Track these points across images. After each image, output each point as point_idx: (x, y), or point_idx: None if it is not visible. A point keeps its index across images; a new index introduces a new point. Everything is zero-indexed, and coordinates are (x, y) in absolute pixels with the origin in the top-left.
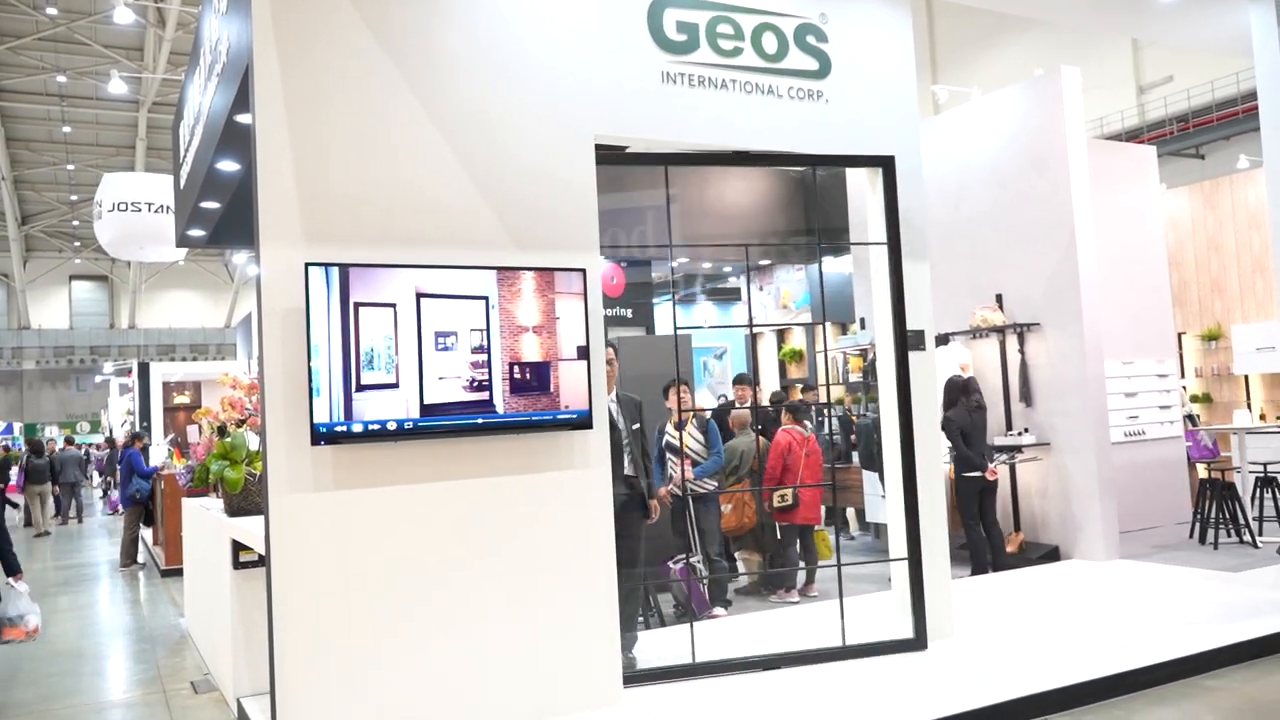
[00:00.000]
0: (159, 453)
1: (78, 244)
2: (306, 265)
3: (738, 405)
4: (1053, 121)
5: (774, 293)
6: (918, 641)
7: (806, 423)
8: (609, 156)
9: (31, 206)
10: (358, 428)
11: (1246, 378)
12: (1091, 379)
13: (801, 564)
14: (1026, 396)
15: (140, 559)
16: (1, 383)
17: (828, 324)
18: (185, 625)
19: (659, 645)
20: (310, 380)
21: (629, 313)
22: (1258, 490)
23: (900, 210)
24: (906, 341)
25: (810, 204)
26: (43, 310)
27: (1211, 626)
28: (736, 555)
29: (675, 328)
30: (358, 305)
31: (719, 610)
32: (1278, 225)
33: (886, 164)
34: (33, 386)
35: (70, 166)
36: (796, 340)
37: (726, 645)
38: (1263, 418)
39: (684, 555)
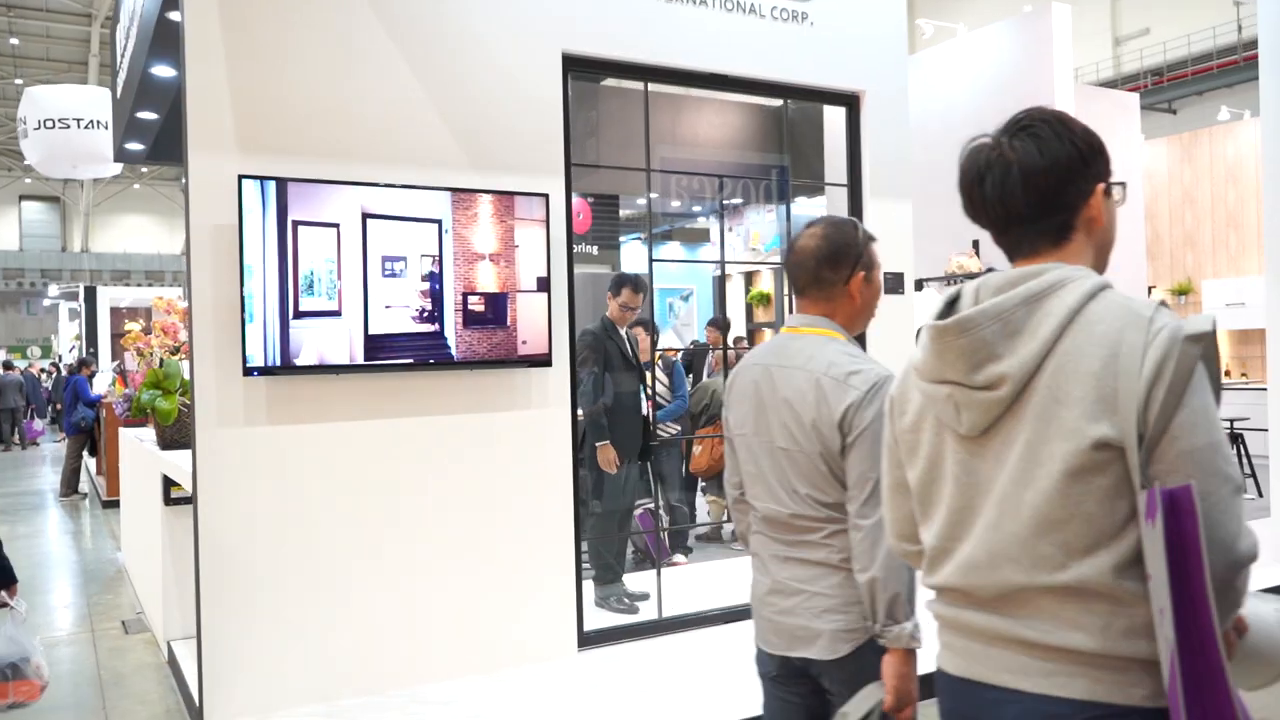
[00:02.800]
0: (104, 380)
1: (26, 163)
2: (240, 177)
3: (713, 348)
4: (1040, 62)
5: (744, 234)
6: None
7: None
8: (586, 71)
9: None
10: (295, 358)
11: None
12: None
13: None
14: None
15: (82, 489)
16: None
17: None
18: (122, 560)
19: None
20: (243, 305)
21: (595, 249)
22: None
23: (877, 148)
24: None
25: (785, 140)
26: None
27: None
28: (705, 498)
29: (651, 262)
30: (296, 224)
31: (679, 558)
32: (1274, 178)
33: (850, 102)
34: None
35: (18, 81)
36: (765, 284)
37: (685, 595)
38: (1227, 374)
39: (645, 501)
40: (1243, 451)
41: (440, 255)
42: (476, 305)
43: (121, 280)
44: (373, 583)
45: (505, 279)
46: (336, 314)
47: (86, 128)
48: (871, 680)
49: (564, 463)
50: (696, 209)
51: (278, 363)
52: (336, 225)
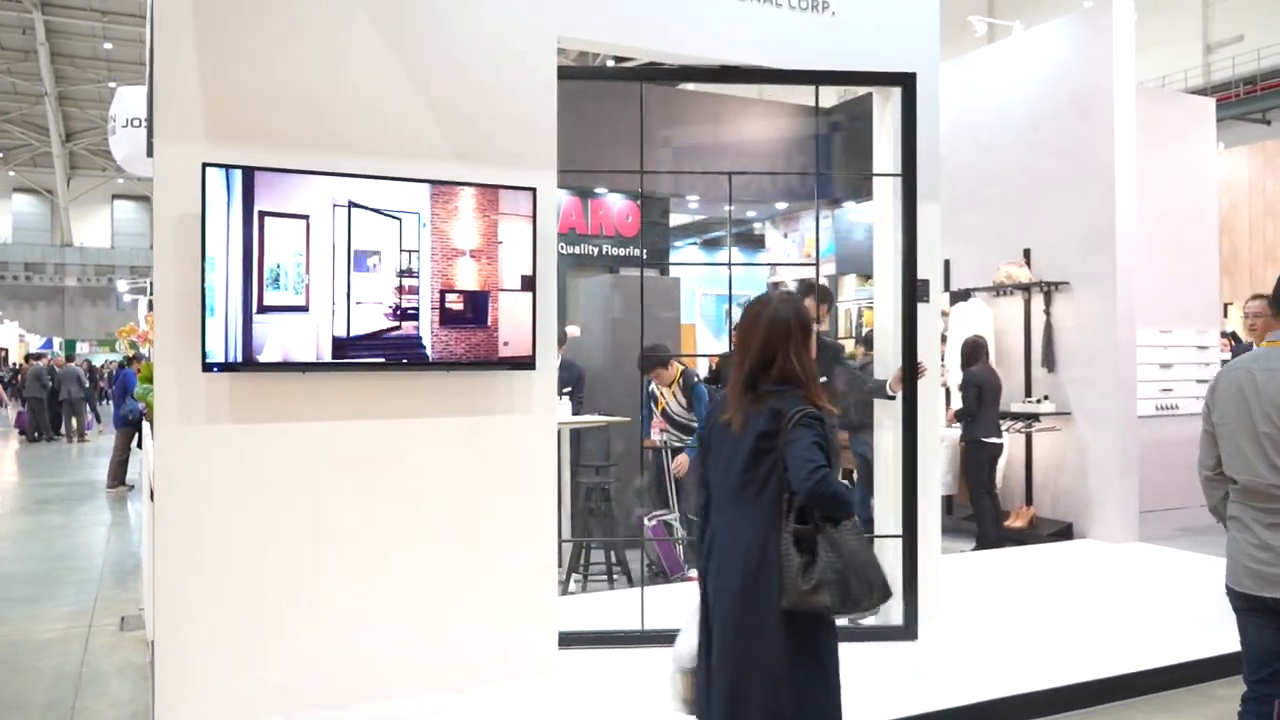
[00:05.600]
0: None
1: (120, 164)
2: (204, 165)
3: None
4: (1100, 61)
5: (799, 240)
6: (907, 630)
7: None
8: (578, 71)
9: (76, 124)
10: (256, 355)
11: None
12: (1123, 345)
13: None
14: (1049, 361)
15: (131, 480)
16: (43, 298)
17: (851, 275)
18: (143, 554)
19: (619, 607)
20: (204, 297)
21: (644, 253)
22: None
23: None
24: (915, 291)
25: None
26: (85, 228)
27: (1230, 625)
28: None
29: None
30: (264, 214)
31: (694, 572)
32: None
33: (906, 81)
34: (74, 304)
35: (112, 84)
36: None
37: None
38: None
39: (659, 512)
40: None
41: (417, 250)
42: (455, 304)
43: None
44: (340, 591)
45: (487, 277)
46: (304, 310)
47: None
48: None
49: (547, 471)
50: (750, 214)
51: (240, 359)
52: (306, 217)
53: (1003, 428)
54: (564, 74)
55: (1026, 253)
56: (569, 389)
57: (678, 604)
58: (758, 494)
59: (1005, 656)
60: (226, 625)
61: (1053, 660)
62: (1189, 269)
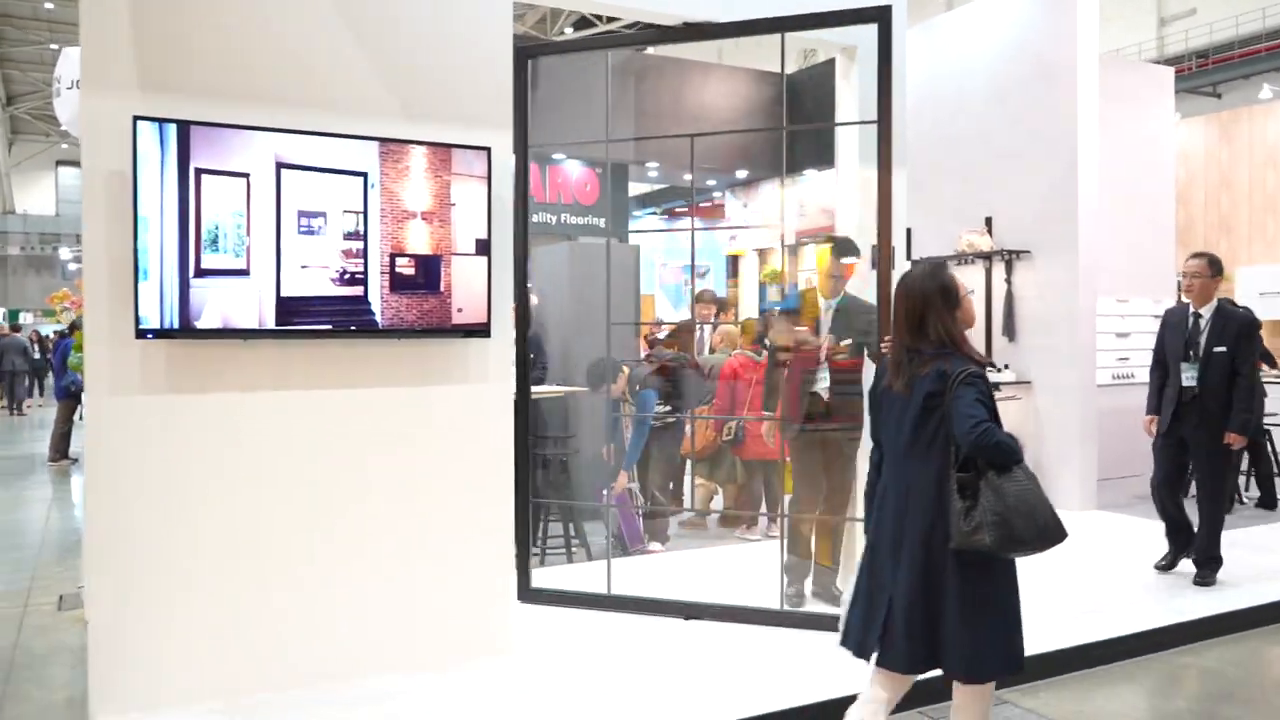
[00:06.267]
0: None
1: (63, 128)
2: (135, 119)
3: (700, 324)
4: (1063, 27)
5: (759, 209)
6: None
7: (763, 346)
8: (540, 48)
9: (17, 87)
10: (194, 320)
11: None
12: (1082, 314)
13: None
14: (1010, 330)
15: (73, 454)
16: None
17: (810, 245)
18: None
19: (580, 579)
20: (136, 260)
21: (601, 222)
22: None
23: (868, 106)
24: (890, 253)
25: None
26: (28, 196)
27: (1184, 595)
28: (698, 481)
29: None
30: (200, 172)
31: (655, 546)
32: None
33: (882, 16)
34: (17, 272)
35: (54, 46)
36: (777, 261)
37: (653, 585)
38: (1260, 366)
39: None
40: (1273, 451)
41: (365, 212)
42: (406, 268)
43: None
44: (284, 569)
45: (439, 240)
46: (244, 273)
47: None
48: None
49: (503, 443)
50: (711, 182)
51: (176, 325)
52: (246, 175)
53: None
54: (533, 51)
55: (988, 220)
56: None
57: (640, 574)
58: (928, 447)
59: None
60: (165, 607)
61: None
62: (1146, 239)
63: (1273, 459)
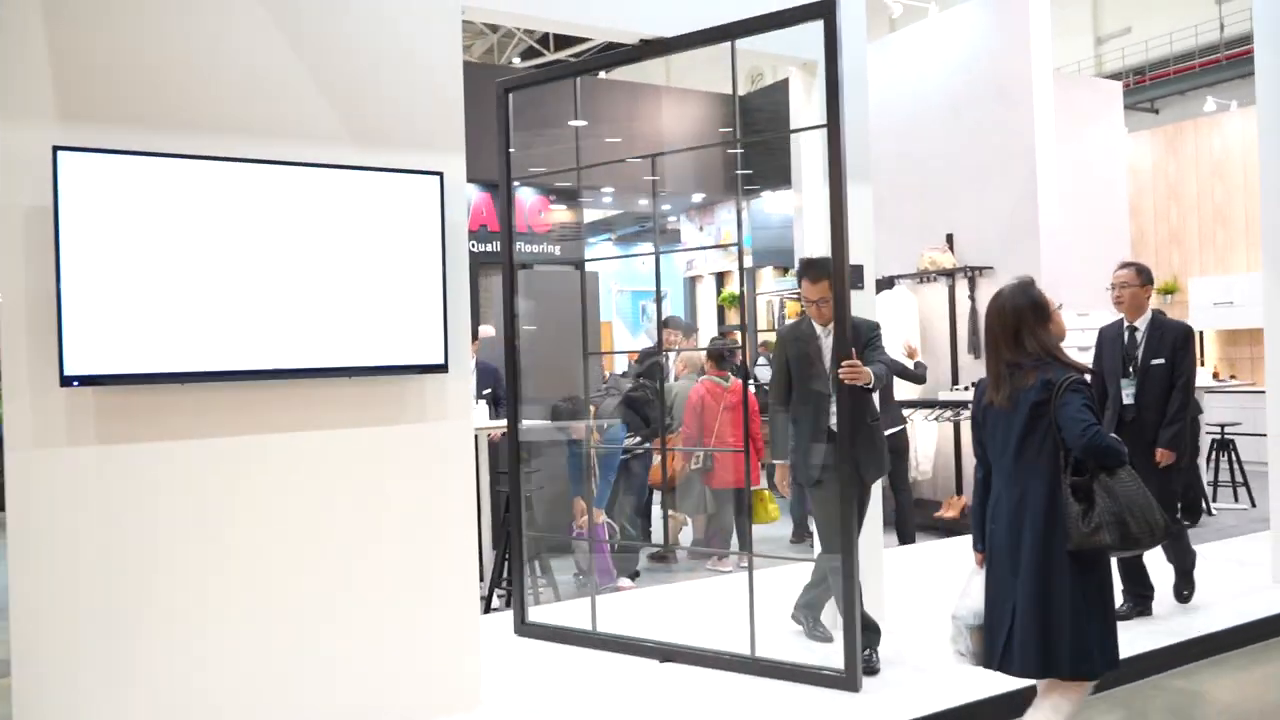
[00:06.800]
0: None
1: None
2: (55, 149)
3: (666, 351)
4: (1017, 43)
5: (714, 233)
6: (848, 679)
7: (730, 372)
8: (519, 80)
9: None
10: (126, 365)
11: (1201, 334)
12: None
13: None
14: (976, 347)
15: None
16: None
17: (769, 267)
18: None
19: (564, 615)
20: (59, 301)
21: (557, 250)
22: (1213, 454)
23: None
24: (846, 267)
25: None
26: None
27: (1174, 614)
28: (669, 513)
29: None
30: (128, 204)
31: (625, 582)
32: (1272, 171)
33: (826, 12)
34: None
35: None
36: (735, 285)
37: (629, 622)
38: (1216, 376)
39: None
40: (1233, 458)
41: (311, 242)
42: (354, 302)
43: None
44: (229, 630)
45: (390, 272)
46: (179, 313)
47: None
48: None
49: (464, 484)
50: (666, 208)
51: (104, 370)
52: (178, 207)
53: (908, 417)
54: (512, 84)
55: (949, 238)
56: (487, 391)
57: (616, 611)
58: (1037, 455)
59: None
60: (96, 672)
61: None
62: (1102, 252)
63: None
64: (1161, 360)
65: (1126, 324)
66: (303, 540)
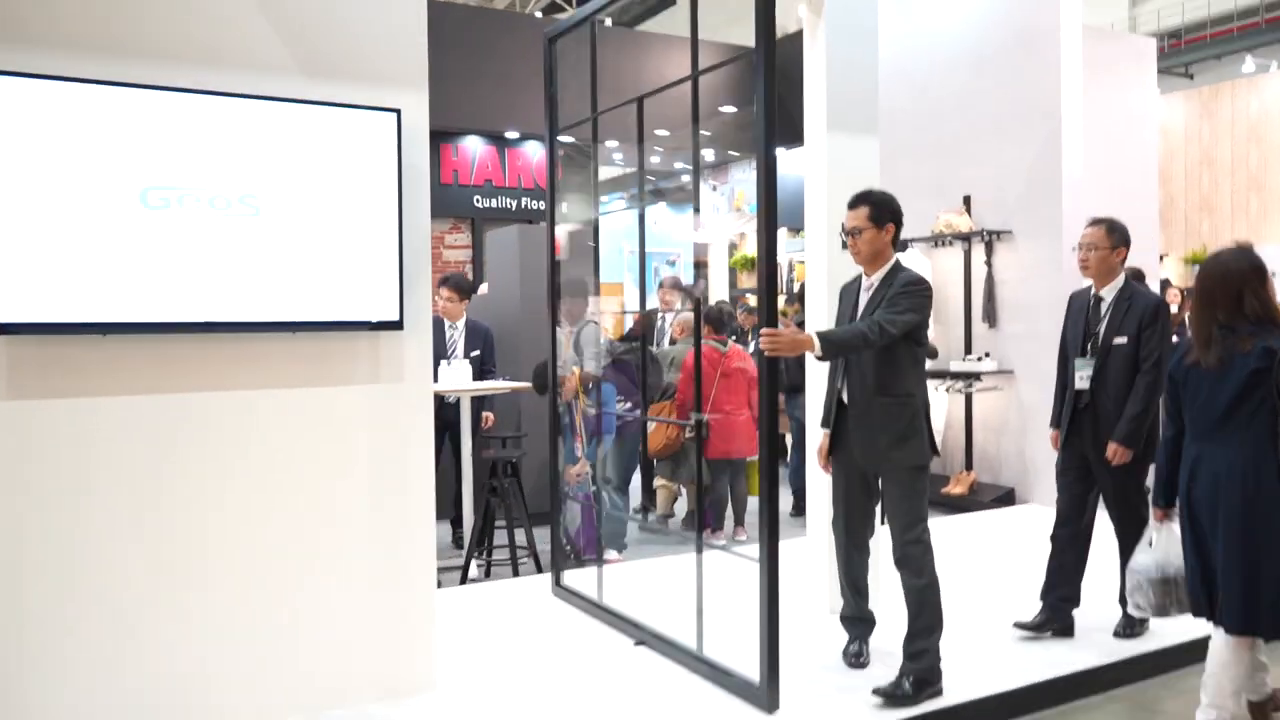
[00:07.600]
0: None
1: None
2: None
3: (663, 312)
4: None
5: (728, 193)
6: (768, 697)
7: (730, 337)
8: (561, 29)
9: None
10: (37, 314)
11: None
12: (1067, 298)
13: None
14: (990, 316)
15: None
16: None
17: (782, 229)
18: None
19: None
20: None
21: (564, 207)
22: None
23: (835, 69)
24: (772, 220)
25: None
26: None
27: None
28: (656, 483)
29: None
30: (45, 135)
31: (612, 554)
32: None
33: None
34: None
35: None
36: (750, 248)
37: (616, 596)
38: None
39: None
40: None
41: (251, 184)
42: (300, 251)
43: None
44: (161, 607)
45: (340, 219)
46: (103, 256)
47: None
48: None
49: (422, 451)
50: (678, 165)
51: (18, 318)
52: (103, 140)
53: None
54: (554, 33)
55: (966, 199)
56: (475, 352)
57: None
58: (1250, 420)
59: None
60: (15, 657)
61: (1005, 660)
62: (1128, 216)
63: None
64: (1124, 339)
65: (1093, 293)
66: (243, 509)
